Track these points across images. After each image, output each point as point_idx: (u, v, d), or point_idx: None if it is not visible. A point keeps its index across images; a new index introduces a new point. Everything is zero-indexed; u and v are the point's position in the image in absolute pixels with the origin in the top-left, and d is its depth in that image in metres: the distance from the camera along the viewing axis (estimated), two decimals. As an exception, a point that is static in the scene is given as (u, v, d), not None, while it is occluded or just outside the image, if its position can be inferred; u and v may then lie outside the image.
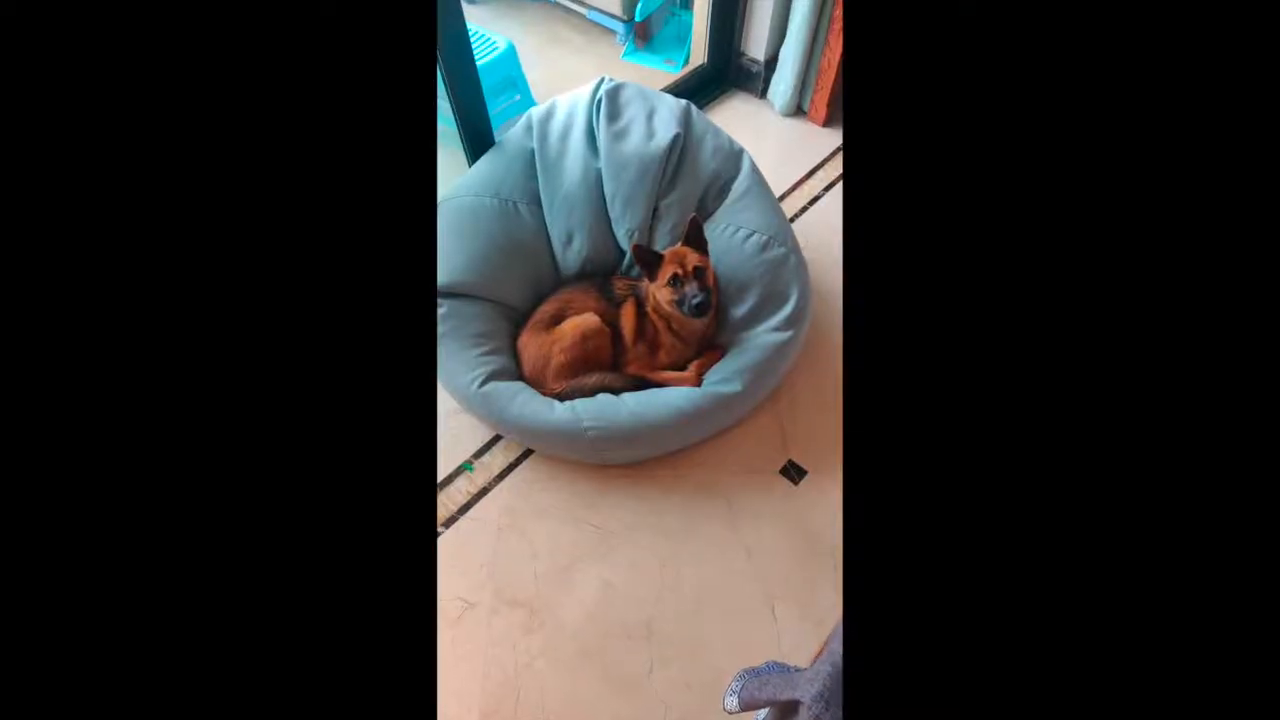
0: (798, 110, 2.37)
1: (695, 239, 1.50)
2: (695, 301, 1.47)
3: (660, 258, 1.50)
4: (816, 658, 1.18)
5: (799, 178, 2.20)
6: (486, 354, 1.56)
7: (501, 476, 1.59)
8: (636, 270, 1.59)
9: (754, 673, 1.05)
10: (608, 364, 1.61)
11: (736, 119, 2.39)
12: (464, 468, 1.60)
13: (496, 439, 1.65)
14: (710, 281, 1.52)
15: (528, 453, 1.63)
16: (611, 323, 1.61)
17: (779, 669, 1.04)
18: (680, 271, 1.47)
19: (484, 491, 1.57)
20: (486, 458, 1.63)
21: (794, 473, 1.59)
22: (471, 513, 1.54)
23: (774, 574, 1.44)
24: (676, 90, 2.34)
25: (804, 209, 2.12)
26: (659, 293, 1.52)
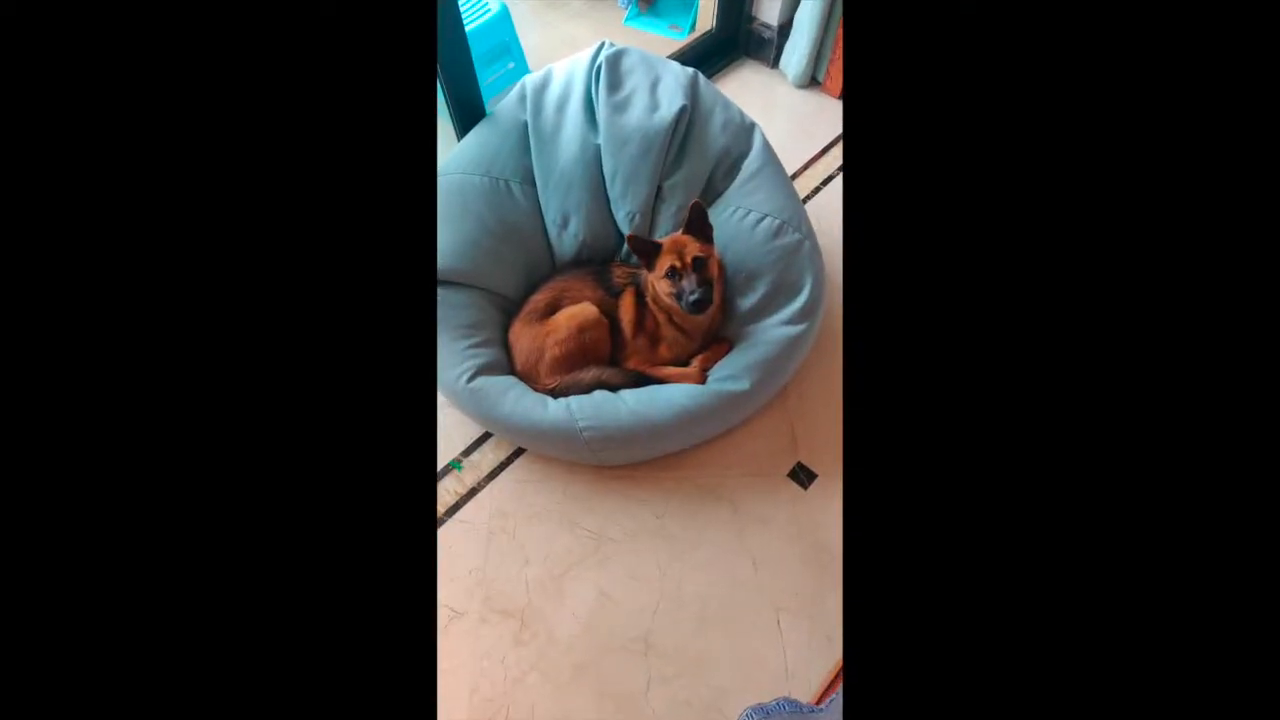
0: (812, 81, 2.22)
1: (697, 226, 1.38)
2: (693, 298, 1.35)
3: (658, 247, 1.38)
4: (827, 694, 1.09)
5: (812, 155, 2.06)
6: (476, 346, 1.46)
7: (492, 476, 1.50)
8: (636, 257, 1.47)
9: (763, 711, 0.97)
10: (605, 358, 1.50)
11: (746, 90, 2.24)
12: (452, 466, 1.51)
13: (487, 435, 1.55)
14: (713, 272, 1.40)
15: (520, 450, 1.53)
16: (610, 313, 1.49)
17: (791, 707, 0.95)
18: (678, 263, 1.36)
19: (473, 492, 1.48)
20: (476, 455, 1.53)
21: (803, 476, 1.49)
22: (460, 515, 1.45)
23: (781, 585, 1.36)
24: (682, 58, 2.18)
25: (817, 189, 1.98)
26: (657, 284, 1.41)
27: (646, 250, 1.39)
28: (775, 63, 2.25)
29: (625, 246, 1.59)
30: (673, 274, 1.37)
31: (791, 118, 2.18)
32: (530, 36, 2.25)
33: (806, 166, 2.03)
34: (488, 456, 1.53)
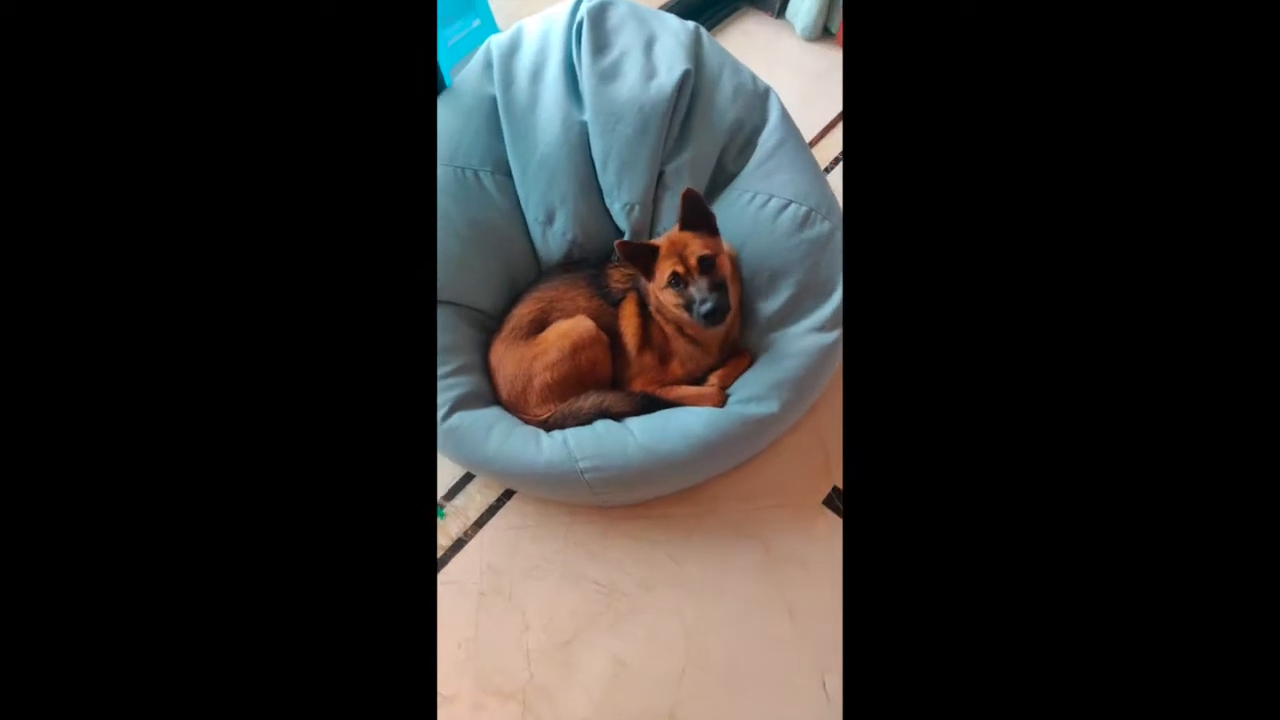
0: (824, 33, 1.94)
1: (696, 219, 1.13)
2: (705, 309, 1.12)
3: (655, 252, 1.14)
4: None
5: (828, 121, 1.80)
6: (451, 375, 1.22)
7: (480, 524, 1.29)
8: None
9: None
10: (606, 380, 1.27)
11: (748, 44, 1.96)
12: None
13: (472, 474, 1.33)
14: (725, 270, 1.16)
15: (512, 490, 1.31)
16: (609, 327, 1.26)
17: None
18: (681, 269, 1.12)
19: (459, 544, 1.26)
20: (460, 499, 1.31)
21: (840, 503, 1.29)
22: (445, 573, 1.24)
23: (824, 637, 1.17)
24: (676, 6, 1.88)
25: (837, 160, 1.73)
26: (660, 295, 1.17)
27: (641, 256, 1.15)
28: (781, 12, 1.97)
29: (622, 243, 1.34)
30: (677, 282, 1.13)
31: (800, 76, 1.91)
32: (496, -11, 1.93)
33: (822, 135, 1.78)
34: (474, 500, 1.31)
